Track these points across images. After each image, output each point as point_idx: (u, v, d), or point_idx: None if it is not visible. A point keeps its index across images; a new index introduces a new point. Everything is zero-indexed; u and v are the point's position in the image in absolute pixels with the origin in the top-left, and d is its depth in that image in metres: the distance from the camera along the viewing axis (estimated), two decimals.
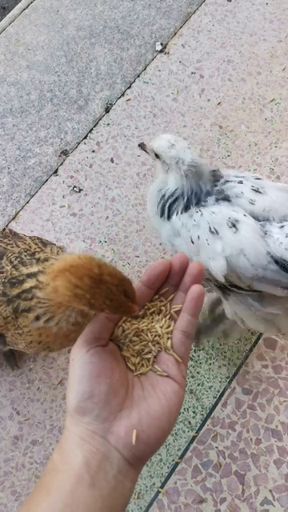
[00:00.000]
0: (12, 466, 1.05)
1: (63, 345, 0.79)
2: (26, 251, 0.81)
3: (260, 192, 0.83)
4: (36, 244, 0.86)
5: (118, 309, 0.47)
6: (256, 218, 0.81)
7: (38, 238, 0.90)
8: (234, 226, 0.79)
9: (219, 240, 0.80)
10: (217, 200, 0.83)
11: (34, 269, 0.73)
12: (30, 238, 0.90)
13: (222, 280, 0.81)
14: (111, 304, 0.46)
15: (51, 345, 0.77)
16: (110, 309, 0.46)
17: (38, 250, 0.83)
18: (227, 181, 0.85)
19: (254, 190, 0.83)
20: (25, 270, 0.75)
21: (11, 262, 0.79)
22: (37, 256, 0.78)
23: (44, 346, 0.78)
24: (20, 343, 0.81)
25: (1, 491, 1.03)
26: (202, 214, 0.82)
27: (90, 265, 0.47)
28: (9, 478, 1.04)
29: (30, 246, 0.84)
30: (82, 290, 0.46)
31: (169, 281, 0.50)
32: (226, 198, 0.83)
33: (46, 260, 0.74)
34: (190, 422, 1.05)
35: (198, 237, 0.82)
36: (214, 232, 0.81)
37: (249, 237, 0.78)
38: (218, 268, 0.80)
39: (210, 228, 0.81)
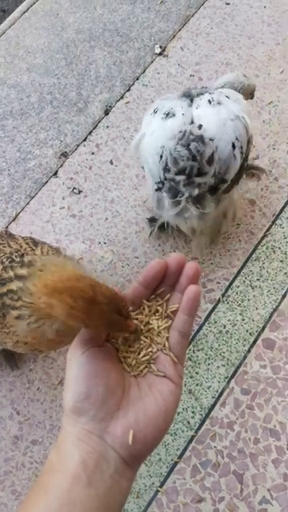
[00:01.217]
0: (12, 465, 1.06)
1: (51, 347, 0.79)
2: (16, 251, 0.81)
3: (210, 104, 0.95)
4: (27, 244, 0.86)
5: (113, 327, 0.47)
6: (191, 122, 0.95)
7: (31, 238, 0.90)
8: (167, 115, 0.95)
9: (152, 119, 0.98)
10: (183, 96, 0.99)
11: (23, 271, 0.73)
12: (22, 237, 0.90)
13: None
14: (105, 323, 0.46)
15: (37, 346, 0.77)
16: (105, 328, 0.47)
17: (28, 250, 0.83)
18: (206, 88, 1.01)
19: (208, 100, 0.95)
20: (12, 272, 0.75)
21: (2, 263, 0.79)
22: (25, 258, 0.78)
23: (31, 347, 0.78)
24: (8, 342, 0.82)
25: (1, 490, 1.04)
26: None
27: (84, 285, 0.47)
28: (9, 478, 1.05)
29: (21, 246, 0.84)
30: (77, 311, 0.47)
31: (165, 281, 0.50)
32: (191, 98, 0.98)
33: (32, 263, 0.74)
34: (188, 422, 1.06)
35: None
36: (153, 113, 0.99)
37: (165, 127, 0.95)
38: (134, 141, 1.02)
39: (153, 110, 0.99)
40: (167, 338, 0.49)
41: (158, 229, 1.22)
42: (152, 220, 1.23)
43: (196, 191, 0.93)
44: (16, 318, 0.72)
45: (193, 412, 1.07)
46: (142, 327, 0.50)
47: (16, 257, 0.79)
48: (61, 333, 0.72)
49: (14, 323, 0.73)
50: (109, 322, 0.46)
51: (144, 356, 0.49)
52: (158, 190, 0.99)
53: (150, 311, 0.50)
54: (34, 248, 0.84)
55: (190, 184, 0.93)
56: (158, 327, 0.50)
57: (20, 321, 0.71)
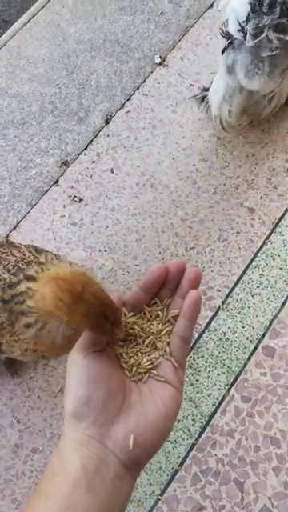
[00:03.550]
0: (12, 474, 1.05)
1: (59, 354, 0.79)
2: (22, 260, 0.82)
3: None
4: (30, 252, 0.87)
5: (96, 329, 0.47)
6: None
7: (33, 246, 0.91)
8: None
9: None
10: None
11: (32, 271, 0.74)
12: (24, 246, 0.91)
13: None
14: (87, 323, 0.47)
15: (46, 353, 0.78)
16: (87, 327, 0.47)
17: (32, 258, 0.84)
18: None
19: None
20: (21, 274, 0.76)
21: (8, 271, 0.80)
22: (33, 263, 0.79)
23: (39, 354, 0.78)
24: (15, 350, 0.82)
25: (1, 499, 1.03)
26: None
27: (75, 281, 0.48)
28: (9, 486, 1.04)
29: (25, 254, 0.85)
30: (63, 304, 0.47)
31: (166, 286, 0.50)
32: None
33: (43, 264, 0.75)
34: (189, 430, 1.05)
35: None
36: None
37: None
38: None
39: None
40: (168, 343, 0.49)
41: (201, 98, 1.34)
42: (205, 89, 1.33)
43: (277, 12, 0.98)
44: (24, 326, 0.72)
45: (193, 420, 1.06)
46: (142, 332, 0.50)
47: (22, 265, 0.80)
48: (69, 338, 0.72)
49: (23, 331, 0.73)
50: (93, 323, 0.46)
51: (146, 362, 0.49)
52: (241, 30, 1.04)
53: (150, 316, 0.50)
54: (37, 256, 0.85)
55: (272, 11, 0.99)
56: (159, 332, 0.50)
57: (28, 328, 0.72)
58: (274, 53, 1.04)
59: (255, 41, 1.03)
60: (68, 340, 0.73)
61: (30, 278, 0.74)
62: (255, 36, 1.02)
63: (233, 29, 1.07)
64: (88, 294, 0.47)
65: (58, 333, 0.71)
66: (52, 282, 0.49)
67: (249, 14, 1.01)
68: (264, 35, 1.01)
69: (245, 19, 1.02)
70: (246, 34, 1.04)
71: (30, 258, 0.84)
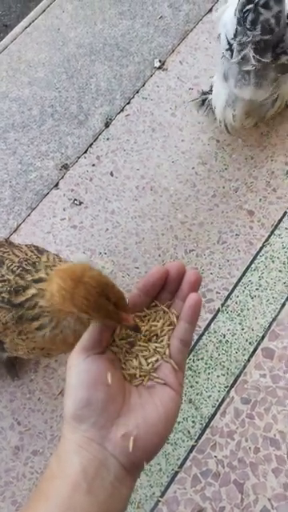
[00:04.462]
0: (13, 476, 1.06)
1: (65, 351, 0.79)
2: (25, 260, 0.82)
3: None
4: (32, 252, 0.87)
5: (101, 312, 0.48)
6: None
7: (34, 246, 0.91)
8: None
9: None
10: None
11: (42, 274, 0.74)
12: (26, 245, 0.91)
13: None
14: (89, 305, 0.48)
15: (53, 351, 0.78)
16: (92, 310, 0.48)
17: (34, 258, 0.84)
18: None
19: None
20: (30, 277, 0.76)
21: (13, 272, 0.80)
22: (38, 266, 0.79)
23: (45, 352, 0.78)
24: (21, 349, 0.82)
25: (1, 501, 1.03)
26: None
27: (75, 268, 0.50)
28: (9, 488, 1.05)
29: (27, 254, 0.85)
30: (65, 291, 0.49)
31: (165, 288, 0.50)
32: None
33: (54, 265, 0.76)
34: (189, 432, 1.06)
35: None
36: None
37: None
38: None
39: None
40: (168, 346, 0.49)
41: (201, 102, 1.36)
42: (204, 93, 1.35)
43: (259, 31, 1.00)
44: (36, 329, 0.72)
45: (193, 421, 1.07)
46: (142, 335, 0.51)
47: (26, 265, 0.79)
48: (78, 334, 0.72)
49: (33, 332, 0.74)
50: (95, 305, 0.48)
51: (146, 365, 0.49)
52: (229, 48, 1.07)
53: (150, 319, 0.51)
54: (39, 256, 0.85)
55: (255, 28, 1.00)
56: (159, 335, 0.50)
57: (41, 330, 0.72)
58: (255, 68, 1.07)
59: (239, 57, 1.06)
60: (79, 336, 0.73)
61: (38, 281, 0.74)
62: (239, 52, 1.05)
63: (223, 46, 1.10)
64: (87, 277, 0.49)
65: (70, 329, 0.72)
66: (56, 277, 0.51)
67: (236, 30, 1.03)
68: (246, 52, 1.04)
69: (233, 36, 1.05)
70: (232, 52, 1.07)
71: (32, 257, 0.83)
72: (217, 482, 1.01)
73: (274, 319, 1.15)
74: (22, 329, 0.76)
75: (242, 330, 1.15)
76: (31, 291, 0.73)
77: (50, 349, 0.76)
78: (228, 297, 1.19)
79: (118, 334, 0.50)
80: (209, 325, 1.16)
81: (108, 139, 1.43)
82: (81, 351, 0.47)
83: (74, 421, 0.45)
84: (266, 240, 1.25)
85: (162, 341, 0.50)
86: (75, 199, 1.35)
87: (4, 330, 0.80)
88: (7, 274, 0.80)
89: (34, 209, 1.35)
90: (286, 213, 1.28)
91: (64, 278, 0.50)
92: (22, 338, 0.78)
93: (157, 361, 0.49)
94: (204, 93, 1.36)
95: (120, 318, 0.48)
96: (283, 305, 1.17)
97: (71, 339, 0.73)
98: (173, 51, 1.55)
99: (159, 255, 1.25)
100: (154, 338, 0.50)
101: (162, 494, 1.01)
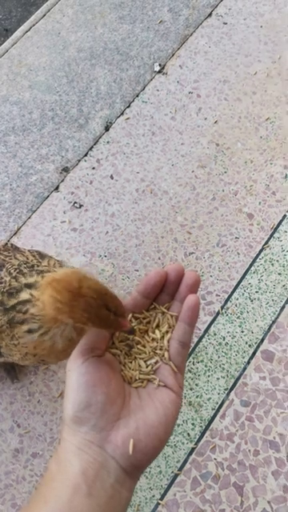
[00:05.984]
0: (12, 478, 1.06)
1: (59, 358, 0.78)
2: (25, 263, 0.82)
3: None
4: (34, 256, 0.87)
5: (101, 323, 0.47)
6: None
7: (37, 251, 0.91)
8: None
9: None
10: None
11: (33, 279, 0.74)
12: (28, 250, 0.91)
13: None
14: (90, 317, 0.46)
15: (46, 358, 0.77)
16: (92, 322, 0.47)
17: (35, 262, 0.84)
18: None
19: None
20: (24, 280, 0.76)
21: (10, 274, 0.79)
22: (36, 268, 0.79)
23: (39, 358, 0.78)
24: (15, 354, 0.81)
25: (1, 504, 1.04)
26: None
27: (71, 278, 0.47)
28: (9, 491, 1.05)
29: (28, 258, 0.85)
30: (62, 304, 0.47)
31: (164, 290, 0.50)
32: None
33: (48, 271, 0.75)
34: (188, 434, 1.06)
35: None
36: None
37: None
38: None
39: None
40: (167, 348, 0.49)
41: None
42: None
43: None
44: (26, 332, 0.72)
45: (193, 424, 1.07)
46: (142, 337, 0.51)
47: (25, 268, 0.79)
48: (70, 341, 0.72)
49: (23, 335, 0.73)
50: (96, 317, 0.46)
51: (145, 367, 0.49)
52: None
53: (149, 321, 0.51)
54: (40, 261, 0.85)
55: None
56: (158, 337, 0.50)
57: (30, 334, 0.72)
58: None
59: None
60: (69, 344, 0.73)
61: (30, 286, 0.74)
62: None
63: None
64: (85, 288, 0.46)
65: (62, 337, 0.71)
66: (49, 287, 0.48)
67: None
68: None
69: None
70: None
71: (32, 261, 0.84)
72: (216, 485, 1.01)
73: (273, 322, 1.16)
74: (14, 333, 0.76)
75: (242, 332, 1.15)
76: (23, 295, 0.73)
77: (42, 355, 0.76)
78: (228, 299, 1.19)
79: (117, 336, 0.51)
80: (208, 327, 1.16)
81: (108, 142, 1.44)
82: (80, 354, 0.47)
83: (73, 423, 0.45)
84: (266, 243, 1.26)
85: (161, 343, 0.50)
86: (75, 202, 1.36)
87: (0, 333, 0.80)
88: (5, 276, 0.80)
89: (34, 211, 1.36)
90: (285, 216, 1.29)
91: (59, 290, 0.47)
92: (14, 342, 0.78)
93: (156, 363, 0.49)
94: None
95: (119, 325, 0.48)
96: (283, 307, 1.17)
97: (61, 346, 0.72)
98: (173, 55, 1.56)
99: (159, 258, 1.26)
100: (153, 340, 0.50)
101: (162, 497, 1.01)
